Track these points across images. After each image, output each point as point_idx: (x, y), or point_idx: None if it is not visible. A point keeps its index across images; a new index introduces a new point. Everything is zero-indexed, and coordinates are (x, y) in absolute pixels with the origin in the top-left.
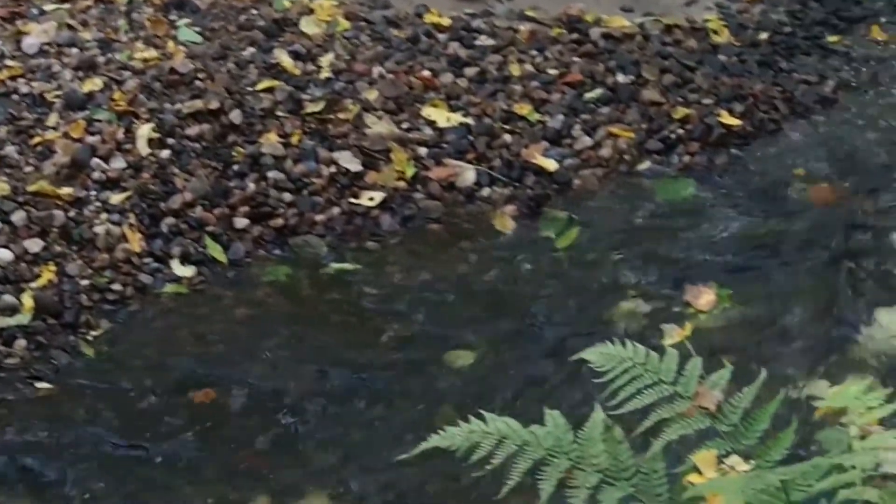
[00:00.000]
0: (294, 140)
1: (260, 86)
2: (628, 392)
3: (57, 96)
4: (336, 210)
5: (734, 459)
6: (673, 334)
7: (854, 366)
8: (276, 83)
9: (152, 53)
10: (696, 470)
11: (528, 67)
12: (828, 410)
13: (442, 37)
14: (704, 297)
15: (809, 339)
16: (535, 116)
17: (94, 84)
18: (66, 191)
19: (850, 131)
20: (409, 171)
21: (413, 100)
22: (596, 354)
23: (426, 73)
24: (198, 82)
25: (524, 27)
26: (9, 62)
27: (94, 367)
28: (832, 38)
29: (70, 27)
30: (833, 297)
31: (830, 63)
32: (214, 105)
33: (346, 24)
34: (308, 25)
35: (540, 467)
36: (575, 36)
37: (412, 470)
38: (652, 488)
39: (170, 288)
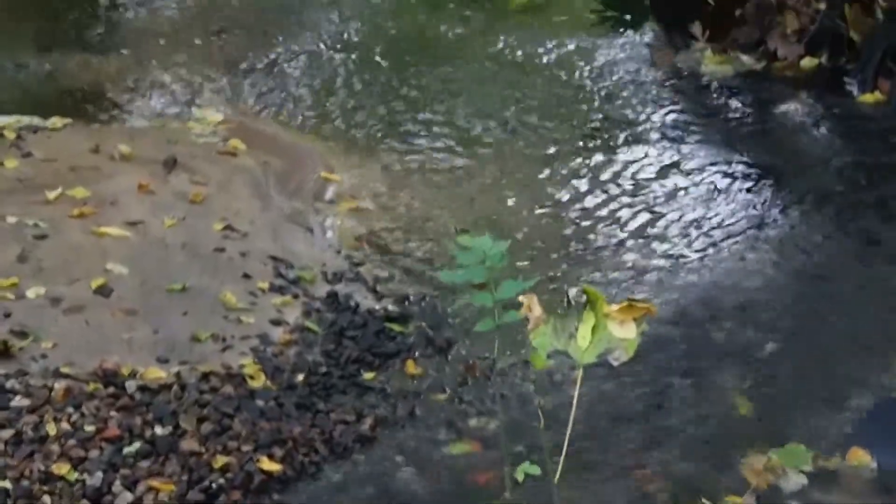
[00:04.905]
0: None
1: None
2: None
3: None
4: None
5: None
6: None
7: None
8: None
9: None
10: None
11: (65, 426)
12: None
13: None
14: None
15: None
16: (74, 475)
17: None
18: None
19: (389, 468)
20: None
21: None
22: None
23: None
24: None
25: (59, 384)
26: None
27: None
28: (368, 375)
29: None
30: None
31: (367, 400)
32: None
33: None
34: None
35: None
36: (111, 390)
37: None
38: None
39: None
